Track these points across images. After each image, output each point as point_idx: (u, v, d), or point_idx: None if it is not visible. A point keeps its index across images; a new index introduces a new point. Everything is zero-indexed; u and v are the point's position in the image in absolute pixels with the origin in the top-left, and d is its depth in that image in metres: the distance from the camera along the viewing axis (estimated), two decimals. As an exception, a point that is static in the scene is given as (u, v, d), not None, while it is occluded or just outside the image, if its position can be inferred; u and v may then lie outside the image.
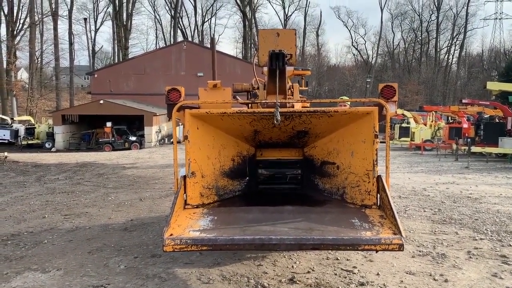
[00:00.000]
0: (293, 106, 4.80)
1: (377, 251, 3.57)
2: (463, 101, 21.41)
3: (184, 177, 4.22)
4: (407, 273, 4.64)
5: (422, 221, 6.90)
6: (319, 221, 3.88)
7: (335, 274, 4.63)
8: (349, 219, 3.91)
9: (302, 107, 5.47)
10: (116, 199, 9.66)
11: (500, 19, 59.59)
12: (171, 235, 3.53)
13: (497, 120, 20.39)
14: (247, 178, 4.94)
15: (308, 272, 4.69)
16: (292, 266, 4.83)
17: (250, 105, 5.15)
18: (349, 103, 5.49)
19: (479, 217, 7.14)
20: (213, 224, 3.85)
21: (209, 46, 56.55)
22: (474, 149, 17.56)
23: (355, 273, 4.64)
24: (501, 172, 13.77)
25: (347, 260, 5.00)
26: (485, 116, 20.71)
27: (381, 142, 4.19)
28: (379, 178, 4.13)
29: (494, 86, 19.05)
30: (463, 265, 4.83)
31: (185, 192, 4.23)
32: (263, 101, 4.24)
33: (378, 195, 4.16)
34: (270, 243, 3.44)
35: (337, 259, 5.03)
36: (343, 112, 4.16)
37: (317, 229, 3.67)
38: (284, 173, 5.12)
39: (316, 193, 4.84)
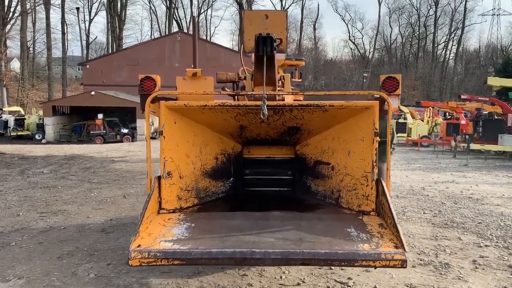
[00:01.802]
0: (283, 99, 4.30)
1: (375, 267, 3.10)
2: (462, 96, 21.00)
3: (159, 178, 3.72)
4: (407, 286, 4.19)
5: (422, 225, 6.45)
6: (310, 230, 3.40)
7: (328, 287, 4.17)
8: (345, 228, 3.44)
9: (294, 100, 4.98)
10: (99, 195, 9.15)
11: (498, 15, 59.29)
12: (139, 246, 3.05)
13: (495, 117, 19.99)
14: (232, 178, 4.45)
15: (298, 284, 4.22)
16: (281, 277, 4.36)
17: (236, 97, 4.65)
18: None
19: (483, 220, 6.69)
20: (189, 232, 3.36)
21: (204, 38, 55.99)
22: (473, 146, 17.14)
23: (350, 286, 4.18)
24: (501, 171, 13.37)
25: (342, 269, 4.53)
26: (484, 113, 20.30)
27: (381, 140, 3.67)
28: (378, 181, 3.65)
29: (495, 81, 18.63)
30: (468, 277, 4.38)
31: (160, 195, 3.74)
32: (249, 93, 3.74)
33: (377, 200, 3.68)
34: (252, 257, 2.96)
35: (331, 268, 4.56)
36: (339, 107, 3.66)
37: (307, 240, 3.19)
38: (273, 173, 4.63)
39: (308, 196, 4.36)
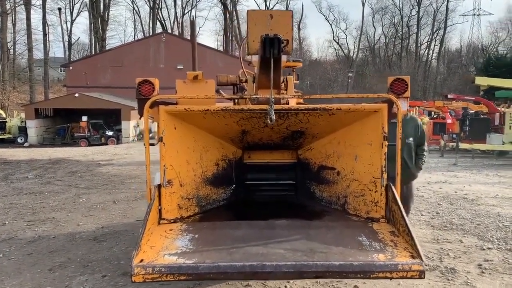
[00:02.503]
0: (287, 103, 4.14)
1: (391, 279, 2.97)
2: (449, 96, 21.17)
3: (159, 186, 3.53)
4: (415, 293, 4.08)
5: (422, 227, 6.37)
6: (321, 240, 3.25)
7: (335, 296, 4.04)
8: (356, 237, 3.30)
9: (296, 103, 4.83)
10: (88, 201, 8.88)
11: (478, 15, 60.13)
12: (142, 261, 2.86)
13: (481, 116, 20.19)
14: (234, 185, 4.28)
15: (304, 293, 4.08)
16: (286, 286, 4.21)
17: (237, 101, 4.48)
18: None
19: (481, 221, 6.65)
20: (193, 245, 3.18)
21: (189, 38, 55.49)
22: (461, 145, 17.25)
23: (357, 294, 4.06)
24: (490, 170, 13.46)
25: (347, 277, 4.39)
26: (470, 112, 20.48)
27: (389, 145, 3.55)
28: (388, 187, 3.52)
29: (483, 81, 18.81)
30: (476, 282, 4.29)
31: (159, 205, 3.55)
32: (254, 96, 3.57)
33: (387, 206, 3.55)
34: (263, 271, 2.80)
35: (335, 276, 4.42)
36: (346, 110, 3.52)
37: (319, 251, 3.04)
38: (275, 179, 4.48)
39: (313, 202, 4.22)
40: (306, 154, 4.35)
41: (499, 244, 5.48)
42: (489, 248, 5.32)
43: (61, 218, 7.30)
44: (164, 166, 3.55)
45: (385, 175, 3.53)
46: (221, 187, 4.16)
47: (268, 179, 4.50)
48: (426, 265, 4.54)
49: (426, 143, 5.03)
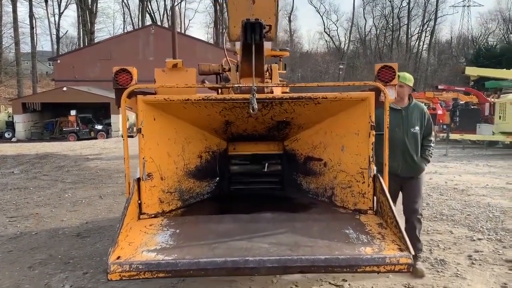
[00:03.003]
0: (272, 92, 4.01)
1: (379, 273, 2.87)
2: (439, 87, 21.14)
3: (138, 180, 3.39)
4: (405, 286, 3.99)
5: (411, 218, 6.30)
6: (306, 233, 3.14)
7: (322, 290, 3.94)
8: (342, 229, 3.19)
9: (282, 92, 4.70)
10: (73, 196, 8.70)
11: (468, 6, 60.23)
12: (119, 258, 2.72)
13: (471, 107, 20.22)
14: (218, 178, 4.15)
15: (291, 288, 3.98)
16: (272, 281, 4.10)
17: (220, 90, 4.33)
18: (409, 82, 4.43)
19: (471, 212, 6.59)
20: (174, 240, 3.05)
21: (179, 30, 55.03)
22: (452, 136, 17.25)
23: (345, 288, 3.96)
24: (480, 160, 13.46)
25: (335, 270, 4.29)
26: (460, 103, 20.50)
27: (377, 134, 3.44)
28: (375, 177, 3.42)
29: (473, 71, 18.80)
30: (466, 274, 4.21)
31: (140, 199, 3.41)
32: (236, 85, 3.44)
33: (375, 198, 3.45)
34: (246, 266, 2.68)
35: (323, 269, 4.32)
36: (333, 99, 3.40)
37: (304, 245, 2.93)
38: (261, 171, 4.35)
39: (300, 195, 4.10)
40: (292, 145, 4.23)
41: (489, 235, 5.41)
42: (479, 239, 5.25)
43: (45, 213, 7.13)
44: (143, 159, 3.41)
45: (372, 166, 3.43)
46: (205, 180, 4.03)
47: (253, 171, 4.38)
48: (420, 258, 4.48)
49: (433, 132, 4.57)
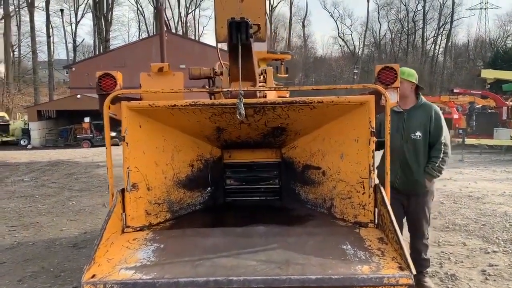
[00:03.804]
0: (265, 96, 3.78)
1: (376, 293, 2.61)
2: (454, 90, 20.64)
3: (122, 191, 3.20)
4: (411, 304, 3.70)
5: (422, 228, 5.99)
6: (300, 249, 2.90)
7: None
8: (339, 245, 2.93)
9: (279, 97, 4.47)
10: (77, 204, 8.59)
11: (485, 8, 59.23)
12: (93, 276, 2.53)
13: (488, 111, 19.67)
14: (211, 187, 3.93)
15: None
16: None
17: (212, 95, 4.13)
18: (409, 77, 3.93)
19: (486, 221, 6.25)
20: (156, 256, 2.84)
21: (193, 37, 55.32)
22: (468, 140, 16.75)
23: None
24: (498, 166, 12.99)
25: (337, 285, 4.03)
26: (476, 106, 19.95)
27: (378, 141, 3.19)
28: (376, 188, 3.16)
29: (489, 74, 18.25)
30: (479, 291, 3.91)
31: (124, 211, 3.21)
32: (224, 90, 3.24)
33: (376, 209, 3.19)
34: (229, 287, 2.46)
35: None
36: (329, 103, 3.16)
37: (295, 262, 2.69)
38: (257, 180, 4.12)
39: (298, 205, 3.86)
40: (290, 152, 4.00)
41: (505, 247, 5.08)
42: (494, 252, 4.93)
43: (45, 222, 7.01)
44: (127, 168, 3.23)
45: (373, 175, 3.17)
46: (197, 190, 3.82)
47: (249, 180, 4.15)
48: (428, 273, 4.18)
49: (443, 137, 3.80)
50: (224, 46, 3.36)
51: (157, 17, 54.91)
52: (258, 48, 3.68)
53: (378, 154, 3.33)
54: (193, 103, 3.15)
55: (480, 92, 21.36)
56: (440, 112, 3.93)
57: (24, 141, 29.23)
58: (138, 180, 3.27)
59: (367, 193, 3.22)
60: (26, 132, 29.71)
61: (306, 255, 2.80)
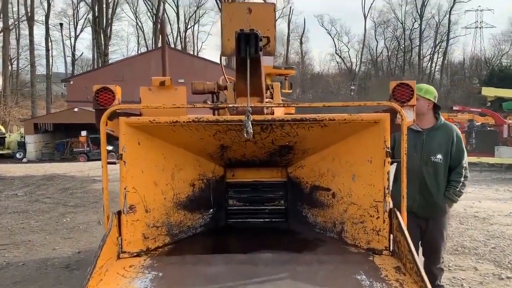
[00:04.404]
0: (272, 113, 3.59)
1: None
2: (454, 108, 20.55)
3: (119, 213, 2.98)
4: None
5: (430, 251, 5.76)
6: (309, 279, 2.67)
7: None
8: (353, 275, 2.71)
9: (285, 113, 4.28)
10: (72, 221, 8.32)
11: (480, 27, 59.85)
12: (85, 310, 2.29)
13: (487, 128, 19.58)
14: (213, 208, 3.71)
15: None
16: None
17: (216, 111, 3.94)
18: (427, 94, 3.76)
19: (496, 244, 6.03)
20: (154, 286, 2.60)
21: (192, 52, 55.47)
22: (468, 158, 16.56)
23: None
24: (500, 184, 12.83)
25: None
26: (476, 124, 19.86)
27: (393, 161, 2.99)
28: (392, 212, 2.94)
29: (490, 92, 18.21)
30: (497, 321, 3.68)
31: (120, 235, 2.98)
32: (230, 105, 3.04)
33: (391, 235, 2.97)
34: (235, 322, 2.23)
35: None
36: (341, 121, 2.97)
37: (306, 295, 2.46)
38: (262, 201, 3.90)
39: (305, 228, 3.63)
40: (297, 172, 3.78)
41: (519, 272, 4.86)
42: (508, 277, 4.71)
43: (38, 241, 6.74)
44: (124, 189, 3.00)
45: (388, 199, 2.96)
46: (198, 211, 3.59)
47: (253, 200, 3.93)
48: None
49: (464, 163, 3.72)
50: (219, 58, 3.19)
51: (156, 32, 55.17)
52: (265, 62, 3.49)
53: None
54: (197, 119, 2.95)
55: (479, 110, 21.30)
56: (460, 134, 3.75)
57: (20, 154, 28.94)
58: (135, 201, 3.05)
59: (381, 217, 3.00)
60: (22, 145, 29.47)
61: (317, 286, 2.58)
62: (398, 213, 2.87)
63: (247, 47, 2.51)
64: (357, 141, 3.13)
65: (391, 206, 2.96)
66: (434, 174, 3.64)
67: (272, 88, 3.84)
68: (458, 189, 3.62)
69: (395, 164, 3.23)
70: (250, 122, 2.56)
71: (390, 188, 3.00)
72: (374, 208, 3.05)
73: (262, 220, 3.89)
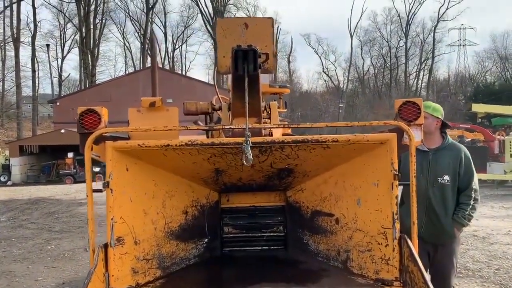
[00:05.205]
0: (270, 134, 3.38)
1: None
2: (443, 124, 20.60)
3: (105, 246, 2.71)
4: None
5: (433, 274, 5.54)
6: (317, 316, 2.43)
7: None
8: (363, 309, 2.48)
9: (283, 134, 4.07)
10: (57, 248, 7.96)
11: (464, 45, 61.08)
12: None
13: (477, 144, 19.61)
14: (208, 237, 3.45)
15: None
16: None
17: (209, 132, 3.72)
18: (434, 112, 3.57)
19: (499, 265, 5.84)
20: (145, 328, 2.34)
21: (180, 72, 55.44)
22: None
23: None
24: (494, 201, 12.72)
25: None
26: (466, 140, 19.89)
27: (399, 184, 2.78)
28: (402, 239, 2.73)
29: (480, 108, 18.30)
30: None
31: (107, 270, 2.72)
32: (227, 127, 2.83)
33: (402, 265, 2.75)
34: None
35: None
36: (345, 142, 2.77)
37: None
38: (259, 227, 3.65)
39: (307, 257, 3.38)
40: (296, 196, 3.56)
41: (527, 296, 4.66)
42: (517, 302, 4.50)
43: (20, 271, 6.38)
44: (112, 219, 2.74)
45: (397, 225, 2.74)
46: (192, 241, 3.33)
47: (250, 227, 3.68)
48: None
49: (474, 185, 3.49)
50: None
51: (144, 52, 55.18)
52: (262, 80, 3.30)
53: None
54: (190, 142, 2.73)
55: (468, 126, 21.40)
56: (469, 154, 3.56)
57: (4, 178, 28.35)
58: (123, 233, 2.79)
59: (390, 245, 2.78)
60: (6, 168, 28.89)
61: (325, 324, 2.34)
62: (408, 240, 2.66)
63: (244, 64, 2.31)
64: (362, 163, 2.93)
65: (400, 232, 2.75)
66: (441, 197, 3.47)
67: (270, 107, 3.63)
68: (467, 212, 3.46)
69: (401, 186, 3.03)
70: (249, 147, 2.34)
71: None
72: (382, 235, 2.83)
73: (260, 248, 3.63)
